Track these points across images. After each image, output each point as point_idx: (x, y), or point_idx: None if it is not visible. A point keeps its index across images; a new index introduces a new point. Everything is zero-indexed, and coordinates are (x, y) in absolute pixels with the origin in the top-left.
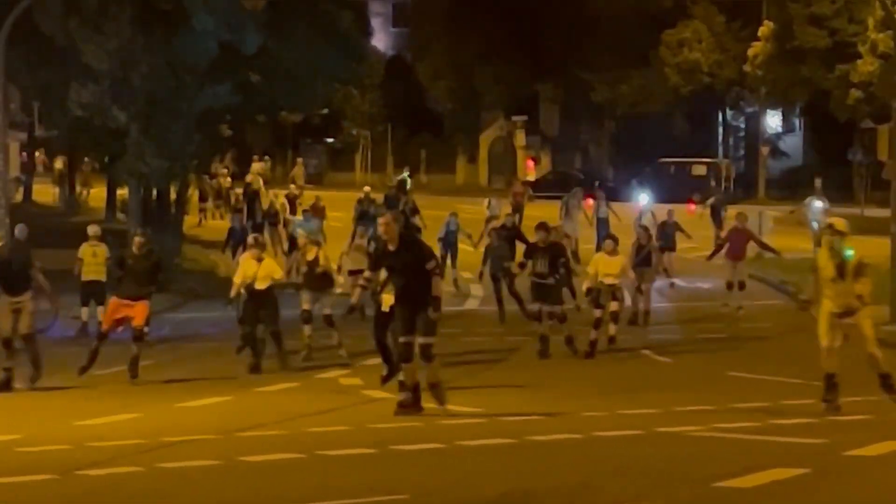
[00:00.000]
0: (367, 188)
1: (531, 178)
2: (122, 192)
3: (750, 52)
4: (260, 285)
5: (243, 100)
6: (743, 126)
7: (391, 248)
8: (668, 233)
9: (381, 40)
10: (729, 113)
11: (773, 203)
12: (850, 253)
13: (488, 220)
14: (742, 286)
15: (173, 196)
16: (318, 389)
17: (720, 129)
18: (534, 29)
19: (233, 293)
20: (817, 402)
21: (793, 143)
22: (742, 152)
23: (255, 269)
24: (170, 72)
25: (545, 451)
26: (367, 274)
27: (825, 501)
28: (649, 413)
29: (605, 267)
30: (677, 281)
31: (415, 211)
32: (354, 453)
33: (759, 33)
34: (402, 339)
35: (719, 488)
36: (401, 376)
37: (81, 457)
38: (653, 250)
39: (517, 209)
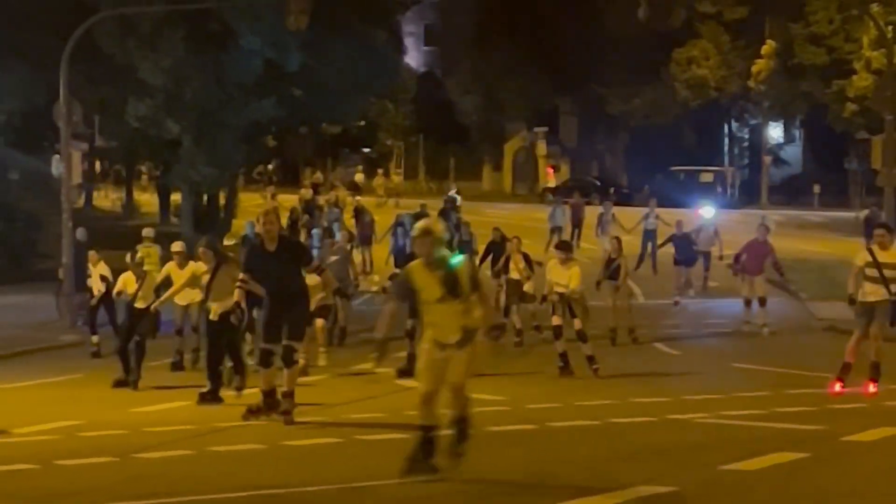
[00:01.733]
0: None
1: (551, 184)
2: (176, 198)
3: (753, 68)
4: (139, 304)
5: (286, 113)
6: (747, 137)
7: (270, 248)
8: (683, 245)
9: (413, 58)
10: (734, 125)
11: (775, 208)
12: (456, 261)
13: (553, 231)
14: (763, 302)
15: (222, 201)
16: (355, 380)
17: (726, 140)
18: (554, 47)
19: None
20: (816, 391)
21: (793, 153)
22: (746, 161)
23: (132, 286)
24: (219, 87)
25: (565, 436)
26: (241, 276)
27: (824, 484)
28: (660, 401)
29: (555, 276)
30: (681, 300)
31: (459, 227)
32: (389, 438)
33: (762, 51)
34: (263, 346)
35: (725, 471)
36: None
37: (138, 441)
38: (622, 264)
39: (577, 224)
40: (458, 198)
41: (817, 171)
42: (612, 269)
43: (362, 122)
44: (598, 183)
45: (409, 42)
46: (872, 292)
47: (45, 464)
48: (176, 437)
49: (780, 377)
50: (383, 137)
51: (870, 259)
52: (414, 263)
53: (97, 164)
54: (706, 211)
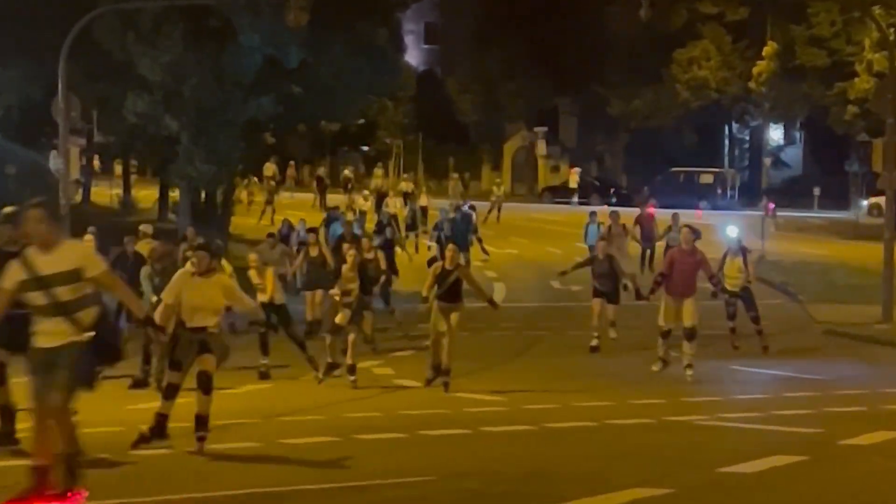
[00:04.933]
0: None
1: (573, 184)
2: (174, 195)
3: (755, 70)
4: None
5: (285, 110)
6: (747, 138)
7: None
8: (604, 271)
9: (413, 56)
10: (734, 126)
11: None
12: None
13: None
14: (691, 335)
15: (220, 198)
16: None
17: (726, 141)
18: (554, 47)
19: None
20: (814, 394)
21: (793, 155)
22: (746, 163)
23: None
24: (218, 84)
25: (563, 437)
26: None
27: (821, 488)
28: (658, 403)
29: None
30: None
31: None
32: (386, 437)
33: (763, 53)
34: None
35: (723, 473)
36: None
37: (134, 438)
38: (463, 277)
39: (648, 240)
40: (474, 213)
41: (817, 173)
42: (447, 286)
43: (361, 120)
44: (598, 183)
45: (408, 40)
46: (47, 331)
47: None
48: (173, 435)
49: (778, 380)
50: (382, 135)
51: (23, 277)
52: None
53: (95, 160)
54: (731, 230)
